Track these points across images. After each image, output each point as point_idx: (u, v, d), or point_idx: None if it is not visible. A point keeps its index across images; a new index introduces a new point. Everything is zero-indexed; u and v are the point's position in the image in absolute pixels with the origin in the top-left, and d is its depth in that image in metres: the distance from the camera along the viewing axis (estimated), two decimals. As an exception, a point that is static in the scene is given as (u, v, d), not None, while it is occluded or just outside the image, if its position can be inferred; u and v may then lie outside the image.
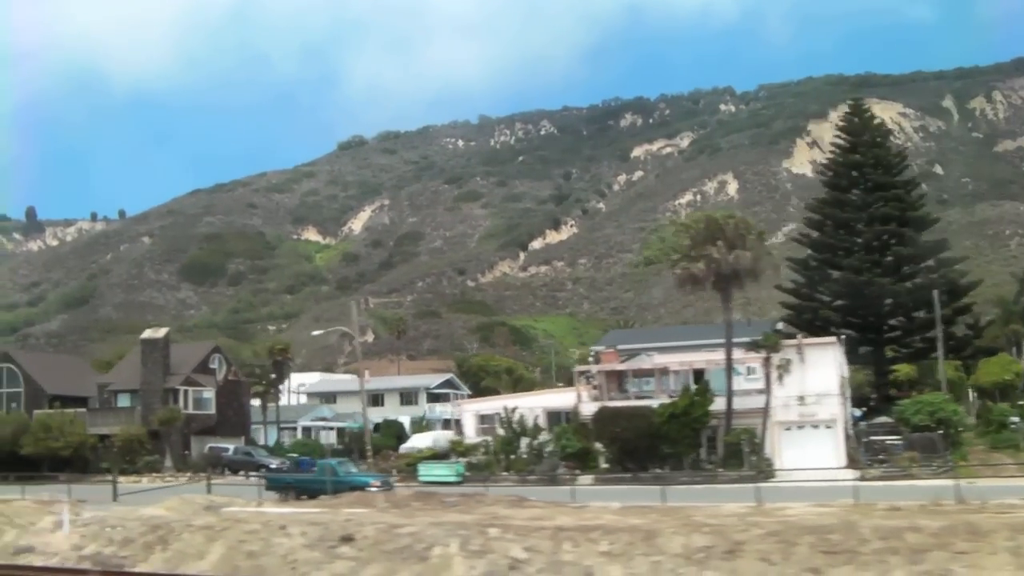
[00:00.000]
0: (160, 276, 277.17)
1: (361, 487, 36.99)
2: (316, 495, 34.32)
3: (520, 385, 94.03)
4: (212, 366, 72.55)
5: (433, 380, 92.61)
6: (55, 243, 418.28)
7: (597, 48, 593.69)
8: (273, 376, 73.95)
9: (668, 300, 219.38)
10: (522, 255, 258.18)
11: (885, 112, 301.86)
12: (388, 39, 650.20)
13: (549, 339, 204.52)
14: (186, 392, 67.36)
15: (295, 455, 57.00)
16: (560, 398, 53.26)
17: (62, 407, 66.02)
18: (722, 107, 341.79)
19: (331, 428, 77.89)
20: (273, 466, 54.85)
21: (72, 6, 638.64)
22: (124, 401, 67.04)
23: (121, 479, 53.27)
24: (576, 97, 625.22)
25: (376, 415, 77.39)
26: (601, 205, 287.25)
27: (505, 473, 47.10)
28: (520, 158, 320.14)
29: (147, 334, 69.12)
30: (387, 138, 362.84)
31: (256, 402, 75.87)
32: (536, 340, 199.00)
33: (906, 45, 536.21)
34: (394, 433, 71.38)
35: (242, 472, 56.36)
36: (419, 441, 63.28)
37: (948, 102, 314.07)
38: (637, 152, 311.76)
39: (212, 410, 68.72)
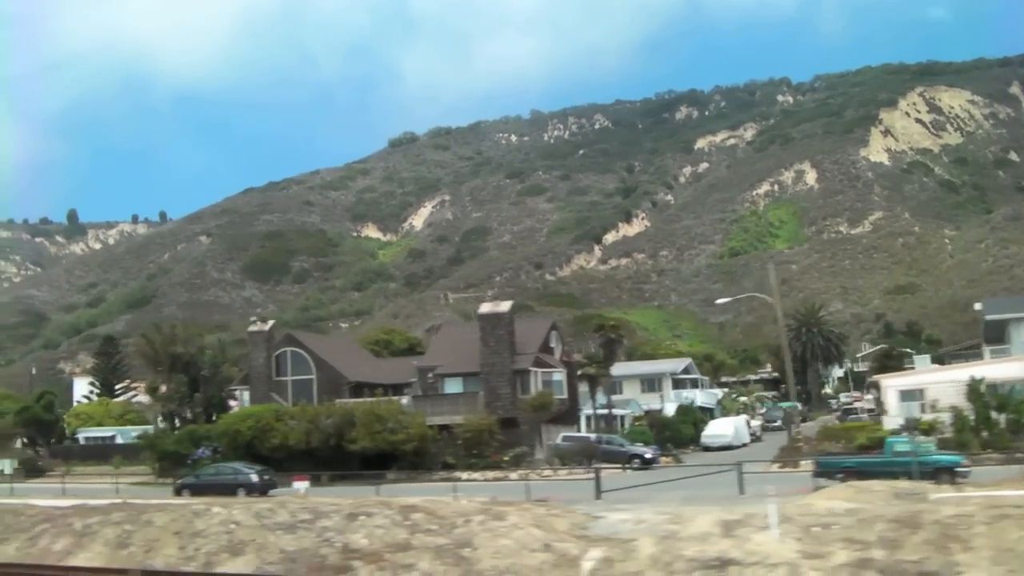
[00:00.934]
0: (223, 275, 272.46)
1: (949, 468, 31.96)
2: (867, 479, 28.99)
3: (722, 371, 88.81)
4: (551, 345, 64.22)
5: (677, 365, 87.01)
6: (98, 246, 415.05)
7: (651, 41, 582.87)
8: (604, 357, 66.31)
9: (761, 290, 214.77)
10: (597, 248, 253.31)
11: (954, 100, 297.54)
12: (440, 35, 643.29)
13: (643, 331, 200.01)
14: (535, 374, 57.86)
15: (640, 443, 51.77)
16: (997, 369, 47.94)
17: (384, 395, 59.67)
18: (779, 98, 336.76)
19: (609, 414, 70.47)
20: (648, 456, 49.59)
21: (120, 8, 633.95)
22: (452, 387, 60.33)
23: (473, 475, 47.77)
24: (628, 91, 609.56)
25: (617, 402, 71.63)
26: (670, 197, 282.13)
27: (984, 452, 41.72)
28: (580, 151, 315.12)
29: (487, 308, 60.76)
30: (438, 134, 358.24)
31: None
32: (635, 332, 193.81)
33: (963, 32, 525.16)
34: (690, 420, 65.92)
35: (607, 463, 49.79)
36: (719, 427, 58.00)
37: (1015, 88, 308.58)
38: (700, 144, 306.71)
39: (564, 394, 59.28)
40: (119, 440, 78.34)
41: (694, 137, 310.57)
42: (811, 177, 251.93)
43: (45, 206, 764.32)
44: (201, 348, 74.19)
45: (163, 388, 70.16)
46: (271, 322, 72.01)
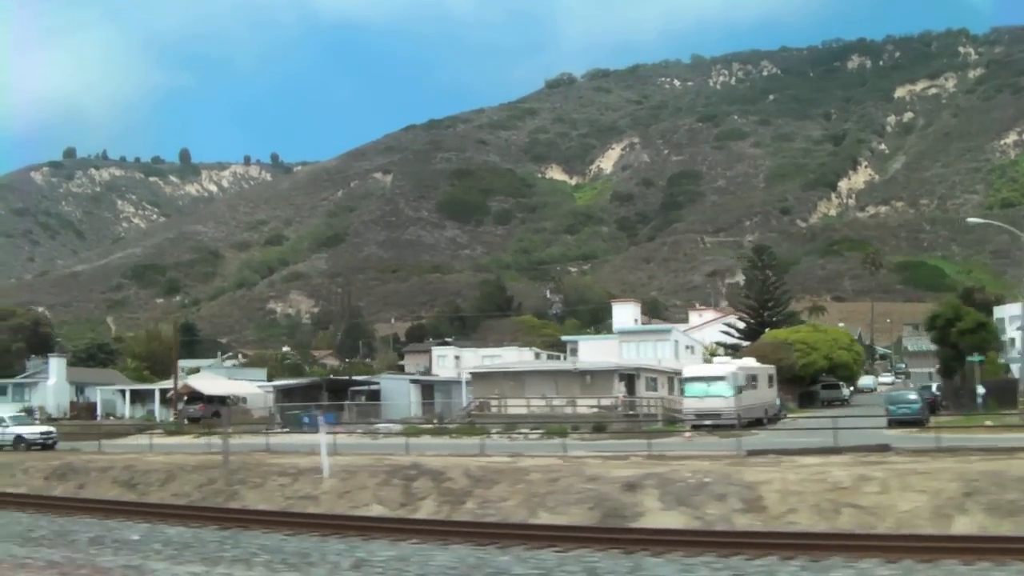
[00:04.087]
0: (419, 214, 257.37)
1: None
2: None
3: None
4: None
5: None
6: (212, 187, 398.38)
7: None
8: None
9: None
10: (833, 195, 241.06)
11: None
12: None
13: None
14: None
15: None
16: None
17: None
18: (961, 49, 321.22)
19: None
20: None
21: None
22: None
23: None
24: (786, 37, 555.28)
25: None
26: (883, 146, 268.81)
27: None
28: (771, 97, 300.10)
29: None
30: (596, 76, 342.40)
31: None
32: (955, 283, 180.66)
33: None
34: None
35: None
36: None
37: None
38: (900, 92, 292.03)
39: None
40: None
41: (891, 86, 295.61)
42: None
43: (157, 144, 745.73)
44: None
45: None
46: None
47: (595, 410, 48.79)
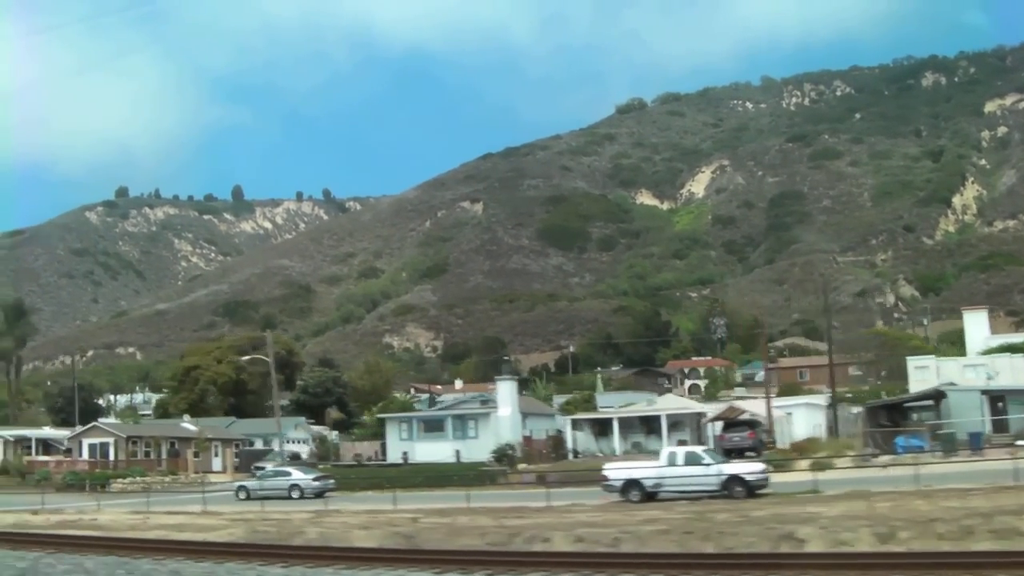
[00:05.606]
0: (519, 242, 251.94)
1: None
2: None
3: None
4: None
5: None
6: (267, 224, 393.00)
7: (891, 6, 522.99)
8: None
9: None
10: (949, 211, 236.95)
11: None
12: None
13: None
14: None
15: None
16: None
17: None
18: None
19: None
20: None
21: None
22: None
23: None
24: (856, 57, 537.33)
25: None
26: (983, 161, 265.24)
27: None
28: (857, 115, 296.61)
29: None
30: (668, 100, 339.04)
31: None
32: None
33: None
34: None
35: None
36: None
37: None
38: (990, 107, 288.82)
39: None
40: None
41: (979, 101, 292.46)
42: None
43: (207, 181, 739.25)
44: None
45: None
46: None
47: None
